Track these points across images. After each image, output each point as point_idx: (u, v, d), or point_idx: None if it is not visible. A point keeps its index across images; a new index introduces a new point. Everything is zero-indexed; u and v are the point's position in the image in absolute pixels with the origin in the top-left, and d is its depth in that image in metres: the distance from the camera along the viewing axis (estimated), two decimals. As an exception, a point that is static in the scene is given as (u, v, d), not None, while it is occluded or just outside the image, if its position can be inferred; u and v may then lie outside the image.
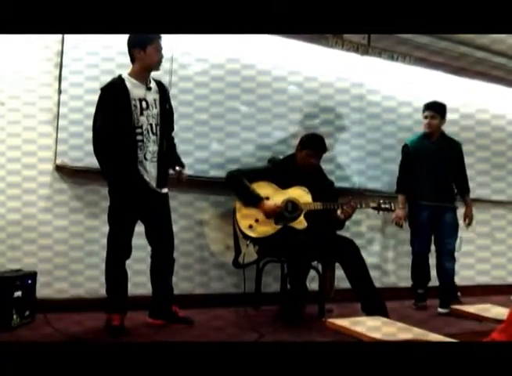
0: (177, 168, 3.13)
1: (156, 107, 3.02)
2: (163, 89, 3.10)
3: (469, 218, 4.19)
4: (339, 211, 3.46)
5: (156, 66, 3.01)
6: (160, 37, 2.98)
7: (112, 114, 2.88)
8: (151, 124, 2.98)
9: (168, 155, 3.11)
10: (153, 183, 3.01)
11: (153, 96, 3.02)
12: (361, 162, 4.39)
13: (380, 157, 4.47)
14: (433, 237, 4.11)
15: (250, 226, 3.40)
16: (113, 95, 2.91)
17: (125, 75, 2.98)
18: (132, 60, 2.99)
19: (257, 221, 3.41)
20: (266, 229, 3.40)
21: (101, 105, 2.93)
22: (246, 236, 3.42)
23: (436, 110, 4.05)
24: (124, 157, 2.92)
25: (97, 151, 2.93)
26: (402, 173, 4.18)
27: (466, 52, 4.81)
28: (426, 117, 4.06)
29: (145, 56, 2.94)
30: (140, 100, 2.96)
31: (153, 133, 2.99)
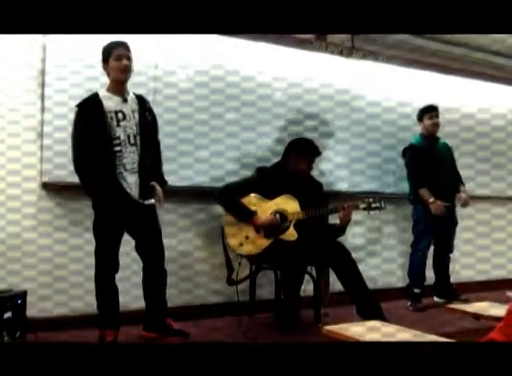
0: (152, 182, 3.06)
1: (134, 118, 3.01)
2: (142, 102, 3.10)
3: (466, 200, 4.24)
4: (337, 219, 3.43)
5: (121, 75, 2.97)
6: (119, 46, 2.96)
7: (88, 129, 2.88)
8: (129, 135, 2.97)
9: (151, 167, 3.07)
10: (135, 194, 2.98)
11: (130, 108, 3.01)
12: (348, 167, 4.38)
13: (366, 161, 4.46)
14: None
15: (241, 244, 3.37)
16: (87, 110, 2.91)
17: (101, 90, 3.01)
18: (108, 75, 3.03)
19: (247, 238, 3.37)
20: (257, 245, 3.36)
21: (77, 121, 2.93)
22: (238, 254, 3.40)
23: (437, 110, 4.23)
24: (103, 168, 2.90)
25: (77, 166, 2.92)
26: (416, 170, 4.16)
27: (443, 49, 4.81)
28: (432, 117, 4.19)
29: (109, 68, 2.97)
30: (116, 112, 2.95)
31: (130, 144, 2.97)
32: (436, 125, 4.21)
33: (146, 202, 3.03)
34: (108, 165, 2.90)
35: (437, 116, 4.21)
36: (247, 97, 3.95)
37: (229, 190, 3.44)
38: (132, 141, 2.98)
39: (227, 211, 3.45)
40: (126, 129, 2.96)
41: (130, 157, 2.96)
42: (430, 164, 4.12)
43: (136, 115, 3.02)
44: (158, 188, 3.09)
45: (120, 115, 2.96)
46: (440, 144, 4.29)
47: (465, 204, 4.25)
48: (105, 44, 3.00)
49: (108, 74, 3.01)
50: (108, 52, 2.96)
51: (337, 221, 3.47)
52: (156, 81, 3.62)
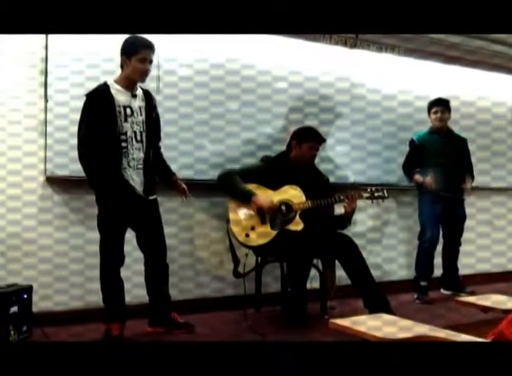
0: (174, 177, 3.21)
1: (141, 115, 2.99)
2: (149, 98, 3.08)
3: (468, 188, 4.22)
4: (342, 209, 3.43)
5: (139, 78, 2.95)
6: (148, 48, 2.92)
7: (96, 121, 2.85)
8: (135, 132, 2.96)
9: (155, 163, 3.09)
10: (140, 190, 2.98)
11: (138, 104, 2.99)
12: (355, 158, 4.37)
13: (379, 153, 4.45)
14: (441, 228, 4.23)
15: (247, 235, 3.34)
16: (97, 102, 2.88)
17: (110, 81, 2.95)
18: (121, 66, 2.96)
19: (252, 228, 3.35)
20: (263, 236, 3.33)
21: (85, 112, 2.89)
22: (244, 246, 3.38)
23: (446, 105, 4.20)
24: (108, 163, 2.88)
25: (82, 158, 2.89)
26: (407, 163, 4.23)
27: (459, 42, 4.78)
28: (436, 112, 4.17)
29: (129, 65, 2.91)
30: (124, 107, 2.93)
31: (137, 141, 2.97)
32: (439, 120, 4.16)
33: (150, 198, 3.03)
34: (113, 161, 2.89)
35: (442, 111, 4.15)
36: (248, 96, 3.92)
37: (231, 172, 3.45)
38: (139, 138, 2.97)
39: (227, 193, 3.44)
40: (133, 125, 2.94)
41: (135, 154, 2.96)
42: (430, 156, 4.12)
43: (143, 112, 3.00)
44: (181, 184, 3.23)
45: (128, 111, 2.93)
46: (450, 138, 4.24)
47: (467, 194, 4.24)
48: (132, 36, 2.92)
49: (122, 66, 2.95)
50: (135, 50, 2.89)
51: (342, 211, 3.47)
52: (158, 80, 3.60)
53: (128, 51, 2.91)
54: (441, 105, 4.18)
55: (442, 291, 4.33)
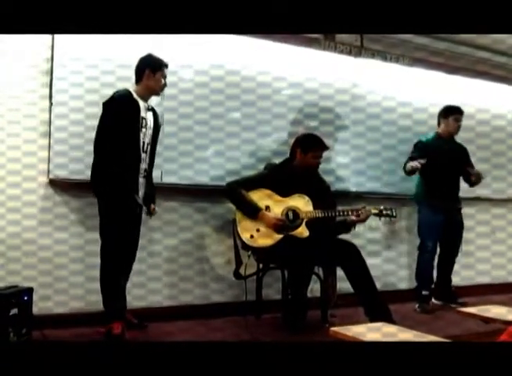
0: (152, 205, 3.23)
1: (150, 128, 3.11)
2: (155, 114, 3.20)
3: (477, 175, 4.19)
4: (353, 217, 3.43)
5: (160, 90, 3.16)
6: (166, 68, 3.13)
7: (122, 127, 2.91)
8: (144, 142, 3.05)
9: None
10: (140, 197, 3.07)
11: (150, 117, 3.11)
12: (359, 163, 4.37)
13: (380, 157, 4.46)
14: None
15: (252, 236, 3.35)
16: (125, 108, 2.95)
17: (131, 90, 3.04)
18: (138, 79, 3.08)
19: (258, 231, 3.36)
20: (267, 239, 3.34)
21: (112, 115, 2.93)
22: (247, 247, 3.37)
23: (462, 113, 4.19)
24: (128, 172, 2.95)
25: (100, 165, 2.92)
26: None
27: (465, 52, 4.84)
28: (458, 120, 4.17)
29: (153, 79, 3.07)
30: (143, 118, 3.03)
31: (143, 151, 3.06)
32: (457, 128, 4.19)
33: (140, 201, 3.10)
34: (133, 170, 2.98)
35: (460, 118, 4.17)
36: (248, 97, 3.93)
37: (238, 184, 3.44)
38: (145, 149, 3.07)
39: (234, 206, 3.46)
40: (144, 137, 3.04)
41: (143, 164, 3.08)
42: (437, 163, 4.06)
43: (152, 125, 3.12)
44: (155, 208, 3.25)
45: (143, 122, 3.03)
46: (454, 145, 4.24)
47: (477, 179, 4.21)
48: (153, 54, 3.11)
49: (141, 78, 3.07)
50: (160, 66, 3.09)
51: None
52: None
53: (154, 66, 3.08)
54: (461, 113, 4.18)
55: (433, 300, 4.24)
